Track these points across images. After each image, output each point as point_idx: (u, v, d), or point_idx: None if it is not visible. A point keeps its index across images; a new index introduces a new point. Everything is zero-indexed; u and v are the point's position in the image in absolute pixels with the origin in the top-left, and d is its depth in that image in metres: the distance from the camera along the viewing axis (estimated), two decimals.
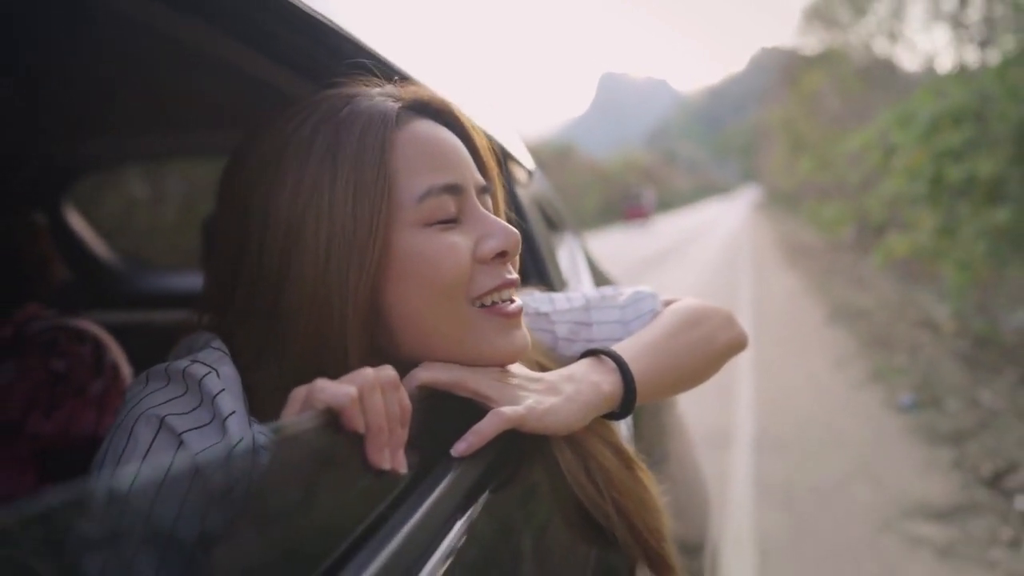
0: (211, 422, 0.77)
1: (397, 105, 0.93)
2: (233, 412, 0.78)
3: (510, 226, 0.96)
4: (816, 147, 27.11)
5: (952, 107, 9.58)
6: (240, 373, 0.83)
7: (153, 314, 2.77)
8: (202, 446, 0.75)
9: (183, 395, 0.79)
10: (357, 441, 0.70)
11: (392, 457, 0.72)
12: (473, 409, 0.91)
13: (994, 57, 13.51)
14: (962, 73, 14.63)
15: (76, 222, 2.96)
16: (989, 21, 15.99)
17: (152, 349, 1.08)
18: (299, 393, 0.72)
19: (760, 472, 5.15)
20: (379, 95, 0.94)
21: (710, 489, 2.80)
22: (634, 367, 1.05)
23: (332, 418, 0.69)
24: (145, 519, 0.60)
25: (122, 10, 0.95)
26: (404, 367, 0.88)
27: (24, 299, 1.85)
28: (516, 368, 0.99)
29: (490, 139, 1.08)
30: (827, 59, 28.67)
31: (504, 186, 1.10)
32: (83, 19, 1.13)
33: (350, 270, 0.85)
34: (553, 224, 2.59)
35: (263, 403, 0.83)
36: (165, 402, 0.78)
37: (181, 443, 0.75)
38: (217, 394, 0.78)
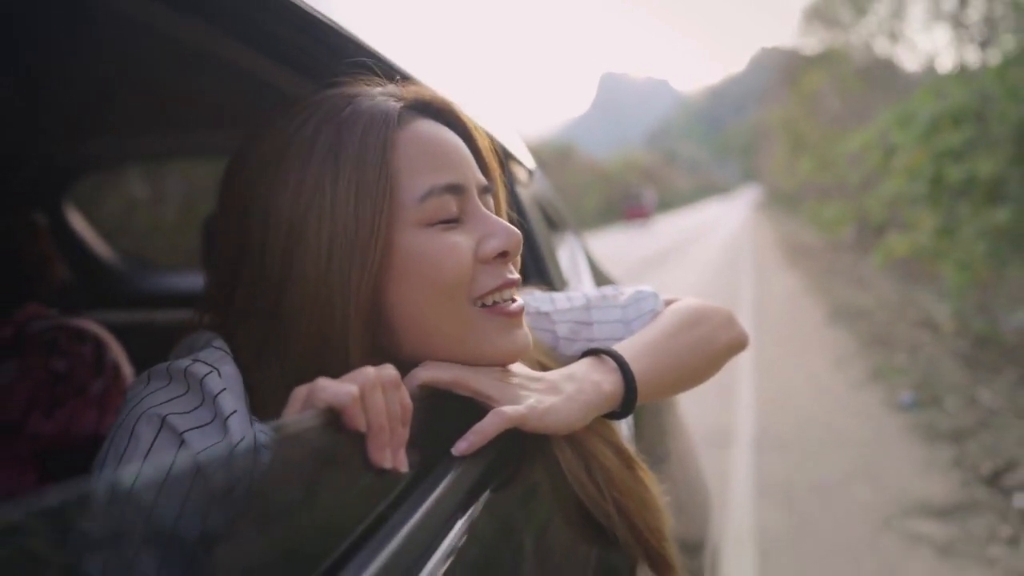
0: (212, 421, 0.77)
1: (399, 105, 0.93)
2: (234, 411, 0.78)
3: (511, 226, 0.96)
4: (816, 147, 27.12)
5: (952, 107, 9.59)
6: (241, 372, 0.83)
7: (154, 314, 2.77)
8: (203, 445, 0.75)
9: (184, 394, 0.79)
10: (358, 440, 0.70)
11: (393, 456, 0.72)
12: (474, 408, 0.91)
13: (995, 57, 13.51)
14: (962, 73, 14.63)
15: (77, 222, 2.96)
16: (989, 21, 16.00)
17: (153, 349, 1.08)
18: (300, 392, 0.72)
19: (761, 471, 5.15)
20: (381, 95, 0.94)
21: (710, 488, 2.80)
22: (635, 367, 1.05)
23: (333, 417, 0.69)
24: (146, 518, 0.60)
25: (122, 10, 0.95)
26: (405, 366, 0.88)
27: (25, 299, 1.85)
28: (517, 367, 0.99)
29: (491, 139, 1.08)
30: (827, 59, 28.69)
31: (506, 186, 1.10)
32: (84, 19, 1.13)
33: (352, 270, 0.85)
34: (554, 224, 2.59)
35: (264, 402, 0.83)
36: (166, 401, 0.78)
37: (182, 442, 0.75)
38: (218, 393, 0.78)
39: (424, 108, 0.98)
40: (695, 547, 1.98)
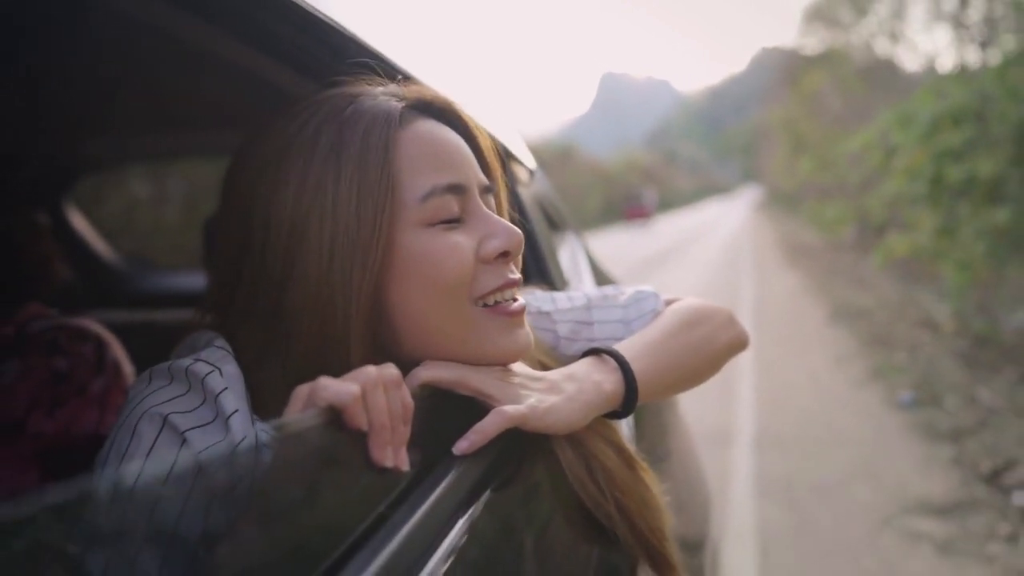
0: (214, 420, 0.77)
1: (400, 104, 0.93)
2: (236, 410, 0.78)
3: (513, 226, 0.96)
4: (817, 147, 27.10)
5: (952, 107, 9.58)
6: (243, 372, 0.84)
7: (155, 314, 2.77)
8: (205, 444, 0.76)
9: (186, 393, 0.79)
10: (360, 439, 0.71)
11: (394, 455, 0.73)
12: (475, 407, 0.91)
13: (995, 57, 13.51)
14: (962, 73, 14.63)
15: (78, 222, 2.96)
16: (990, 21, 16.00)
17: (154, 349, 1.08)
18: (302, 391, 0.73)
19: (761, 469, 5.16)
20: (382, 94, 0.95)
21: (711, 487, 2.80)
22: (635, 366, 1.05)
23: (335, 416, 0.69)
24: (148, 517, 0.60)
25: (123, 9, 0.95)
26: (406, 366, 0.88)
27: (26, 299, 1.85)
28: (518, 367, 1.00)
29: (493, 139, 1.08)
30: (828, 59, 28.68)
31: (507, 186, 1.10)
32: (85, 18, 1.13)
33: (354, 270, 0.85)
34: (554, 224, 2.59)
35: (266, 401, 0.83)
36: (168, 400, 0.78)
37: (184, 441, 0.76)
38: (220, 392, 0.78)
39: (426, 108, 0.98)
40: (696, 546, 1.98)
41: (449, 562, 0.75)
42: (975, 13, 16.96)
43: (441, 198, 0.91)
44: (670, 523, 1.08)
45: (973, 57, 16.60)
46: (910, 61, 24.71)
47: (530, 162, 2.23)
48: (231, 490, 0.63)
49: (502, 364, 0.97)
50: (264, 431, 0.76)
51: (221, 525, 0.65)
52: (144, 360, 0.96)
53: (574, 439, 1.01)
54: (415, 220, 0.90)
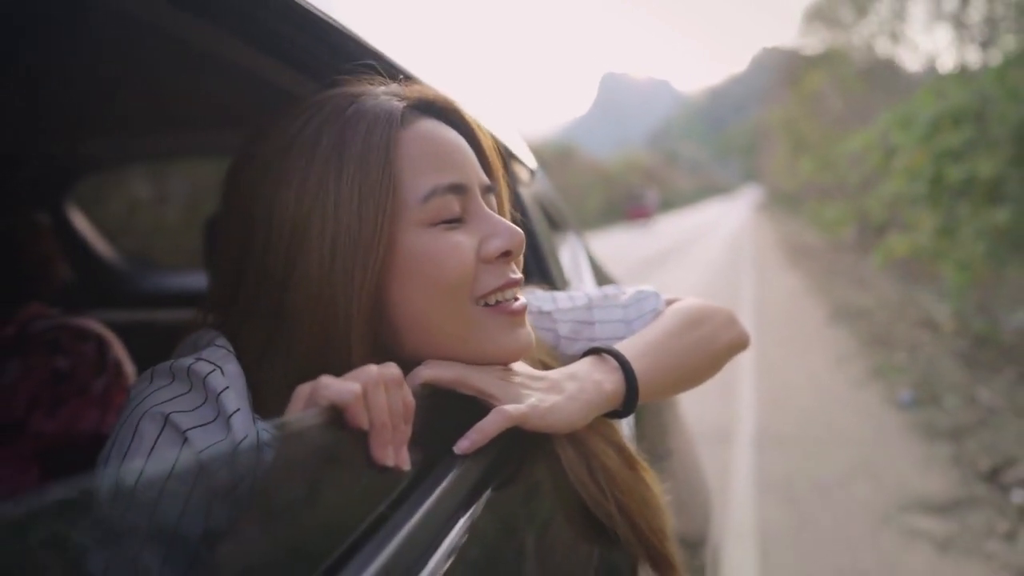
0: (215, 419, 0.77)
1: (402, 104, 0.93)
2: (237, 409, 0.78)
3: (514, 226, 0.96)
4: (817, 147, 27.09)
5: (952, 108, 9.59)
6: (244, 371, 0.84)
7: (155, 313, 2.77)
8: (206, 443, 0.76)
9: (187, 392, 0.79)
10: (361, 438, 0.71)
11: (395, 454, 0.73)
12: (476, 407, 0.91)
13: (996, 57, 13.51)
14: (962, 74, 14.63)
15: (79, 222, 2.96)
16: (991, 21, 15.99)
17: (154, 348, 1.08)
18: (303, 390, 0.73)
19: (762, 468, 5.17)
20: (384, 94, 0.95)
21: (711, 487, 2.80)
22: (636, 366, 1.05)
23: (336, 415, 0.69)
24: (150, 516, 0.60)
25: (124, 9, 0.95)
26: (407, 365, 0.88)
27: (27, 298, 1.85)
28: (519, 366, 1.00)
29: (494, 138, 1.08)
30: (829, 59, 28.67)
31: (509, 185, 1.10)
32: (86, 18, 1.13)
33: (355, 269, 0.85)
34: (555, 224, 2.59)
35: (267, 401, 0.83)
36: (170, 399, 0.78)
37: (186, 440, 0.76)
38: (221, 391, 0.78)
39: (427, 108, 0.98)
40: (696, 545, 1.98)
41: (450, 561, 0.75)
42: (976, 13, 16.96)
43: (442, 198, 0.91)
44: (671, 523, 1.08)
45: (974, 57, 16.60)
46: (911, 61, 24.74)
47: (531, 162, 2.23)
48: (232, 489, 0.63)
49: (503, 363, 0.97)
50: (265, 430, 0.76)
51: (222, 524, 0.66)
52: (145, 360, 0.96)
53: (575, 438, 1.01)
54: (416, 220, 0.90)
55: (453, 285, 0.90)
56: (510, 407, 0.90)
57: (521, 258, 1.00)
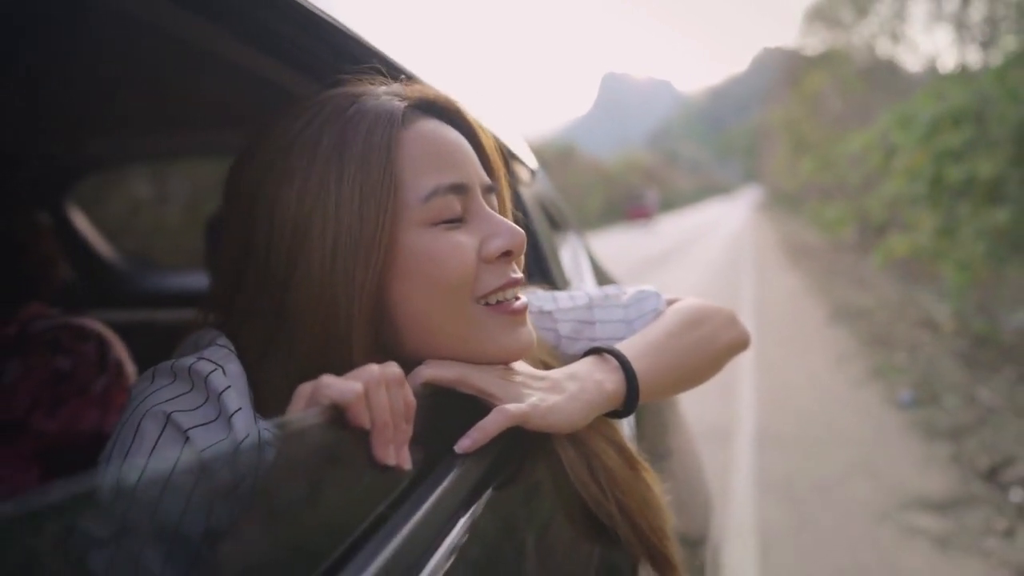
0: (217, 418, 0.78)
1: (403, 104, 0.93)
2: (239, 409, 0.78)
3: (515, 226, 0.96)
4: (818, 148, 27.09)
5: (952, 108, 9.59)
6: (246, 370, 0.84)
7: (157, 313, 2.77)
8: (208, 442, 0.76)
9: (189, 392, 0.79)
10: (362, 437, 0.71)
11: (397, 453, 0.73)
12: (477, 406, 0.92)
13: (996, 57, 13.51)
14: (962, 74, 14.63)
15: (80, 221, 2.96)
16: (991, 21, 15.99)
17: (155, 348, 1.08)
18: (305, 389, 0.73)
19: (762, 467, 5.18)
20: (385, 94, 0.95)
21: (712, 486, 2.81)
22: (637, 366, 1.05)
23: (337, 414, 0.69)
24: (151, 515, 0.60)
25: (125, 9, 0.95)
26: (409, 364, 0.88)
27: (28, 298, 1.85)
28: (520, 366, 1.00)
29: (495, 138, 1.08)
30: (829, 60, 28.68)
31: (510, 185, 1.10)
32: (86, 18, 1.13)
33: (356, 269, 0.85)
34: (556, 223, 2.59)
35: (269, 400, 0.83)
36: (171, 399, 0.78)
37: (187, 439, 0.76)
38: (223, 391, 0.78)
39: (428, 107, 0.98)
40: (697, 544, 1.98)
41: (451, 560, 0.75)
42: (976, 13, 16.96)
43: (443, 198, 0.91)
44: (671, 522, 1.08)
45: (974, 57, 16.60)
46: (911, 62, 24.73)
47: (532, 162, 2.23)
48: (234, 488, 0.63)
49: (504, 362, 0.97)
50: (267, 429, 0.76)
51: (224, 523, 0.66)
52: (146, 360, 0.96)
53: (576, 438, 1.01)
54: (418, 220, 0.90)
55: (454, 285, 0.90)
56: (511, 406, 0.90)
57: (522, 258, 1.00)
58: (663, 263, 20.80)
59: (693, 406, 3.44)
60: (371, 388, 0.72)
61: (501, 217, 0.96)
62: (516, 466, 1.00)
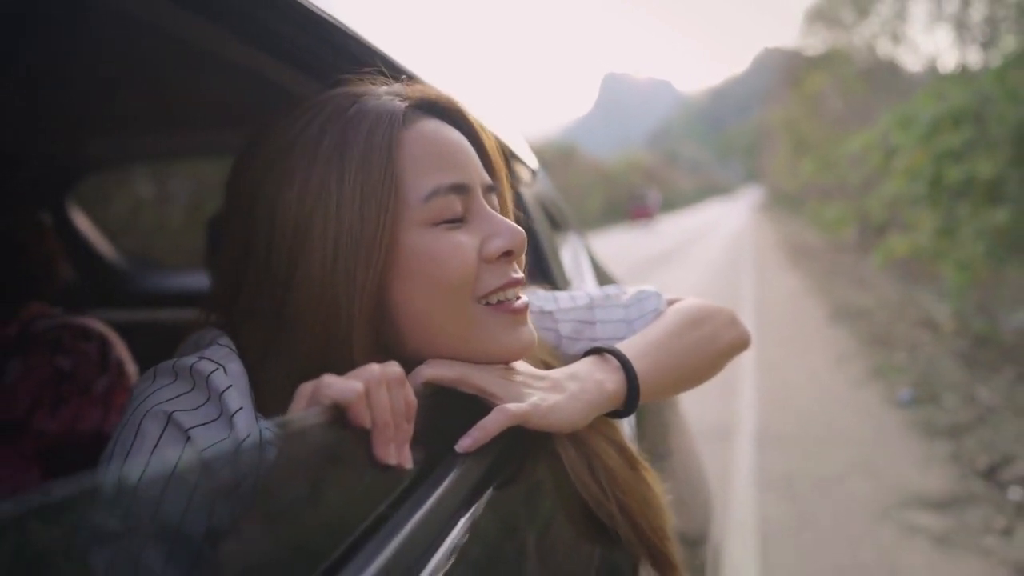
0: (218, 418, 0.78)
1: (404, 104, 0.93)
2: (240, 408, 0.78)
3: (516, 225, 0.96)
4: (818, 148, 27.08)
5: (952, 109, 9.60)
6: (247, 370, 0.84)
7: (158, 313, 2.78)
8: (209, 442, 0.76)
9: (190, 391, 0.79)
10: (363, 437, 0.71)
11: (398, 452, 0.73)
12: (478, 406, 0.92)
13: (997, 58, 13.52)
14: (963, 74, 14.63)
15: (81, 221, 2.97)
16: (992, 22, 16.00)
17: (157, 348, 1.08)
18: (306, 389, 0.73)
19: (762, 466, 5.18)
20: (386, 94, 0.95)
21: (712, 485, 2.81)
22: (638, 365, 1.05)
23: (338, 414, 0.70)
24: (152, 514, 0.61)
25: (125, 9, 0.95)
26: (410, 364, 0.88)
27: (29, 298, 1.86)
28: (521, 365, 1.00)
29: (497, 138, 1.08)
30: (830, 60, 28.66)
31: (511, 185, 1.10)
32: (86, 18, 1.13)
33: (357, 269, 0.85)
34: (556, 224, 2.59)
35: (270, 399, 0.83)
36: (173, 398, 0.78)
37: (188, 439, 0.76)
38: (224, 390, 0.79)
39: (429, 107, 0.98)
40: (697, 543, 1.98)
41: (451, 560, 0.75)
42: (976, 14, 16.96)
43: (444, 198, 0.91)
44: (671, 522, 1.08)
45: (975, 58, 16.60)
46: (912, 62, 24.72)
47: (532, 162, 2.23)
48: (235, 488, 0.63)
49: (505, 362, 0.97)
50: (268, 429, 0.76)
51: (225, 522, 0.66)
52: (148, 359, 0.96)
53: (576, 438, 1.01)
54: (418, 220, 0.90)
55: (455, 285, 0.91)
56: (512, 405, 0.90)
57: (523, 258, 1.00)
58: (664, 263, 20.79)
59: (694, 406, 3.45)
60: (372, 388, 0.72)
61: (502, 217, 0.96)
62: (517, 466, 1.00)
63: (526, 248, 0.99)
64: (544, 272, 1.89)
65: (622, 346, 1.08)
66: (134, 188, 7.58)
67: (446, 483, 0.82)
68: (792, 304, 13.22)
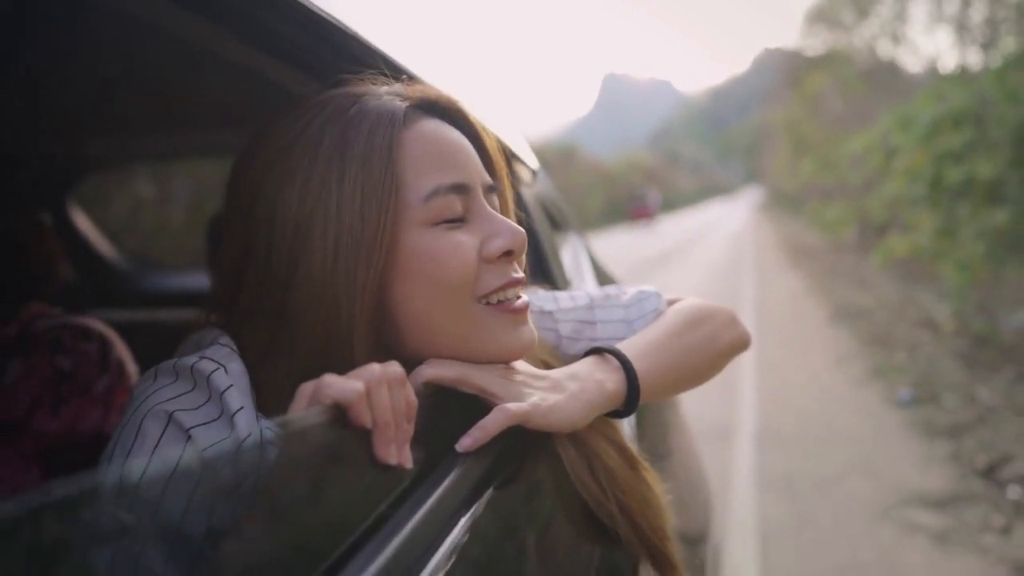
0: (219, 418, 0.78)
1: (405, 104, 0.93)
2: (241, 408, 0.78)
3: (516, 225, 0.96)
4: (819, 148, 27.10)
5: (952, 110, 9.61)
6: (248, 369, 0.84)
7: (159, 313, 2.78)
8: (210, 441, 0.76)
9: (191, 391, 0.79)
10: (364, 436, 0.71)
11: (398, 452, 0.73)
12: (478, 405, 0.92)
13: (997, 59, 13.53)
14: (963, 75, 14.64)
15: (81, 221, 2.97)
16: (992, 22, 16.00)
17: (157, 348, 1.08)
18: (306, 389, 0.73)
19: (762, 466, 5.19)
20: (387, 94, 0.95)
21: (712, 485, 2.81)
22: (638, 365, 1.05)
23: (339, 413, 0.70)
24: (153, 514, 0.61)
25: (125, 9, 0.95)
26: (410, 364, 0.88)
27: (29, 298, 1.86)
28: (521, 365, 1.00)
29: (497, 138, 1.08)
30: (830, 61, 28.68)
31: (512, 185, 1.10)
32: (86, 18, 1.13)
33: (358, 269, 0.85)
34: (557, 224, 2.60)
35: (271, 399, 0.83)
36: (173, 398, 0.78)
37: (189, 438, 0.76)
38: (225, 390, 0.79)
39: (430, 107, 0.98)
40: (697, 543, 1.98)
41: (451, 560, 0.75)
42: (977, 15, 16.97)
43: (445, 198, 0.91)
44: (671, 522, 1.08)
45: (975, 59, 16.61)
46: (912, 63, 24.73)
47: (533, 162, 2.23)
48: (236, 487, 0.63)
49: (506, 361, 0.97)
50: (269, 428, 0.76)
51: (226, 522, 0.66)
52: (148, 359, 0.96)
53: (576, 438, 1.01)
54: (419, 220, 0.90)
55: (455, 284, 0.91)
56: (512, 405, 0.90)
57: (523, 258, 1.00)
58: (664, 263, 20.79)
59: (694, 405, 3.45)
60: (373, 387, 0.72)
61: (502, 217, 0.96)
62: (517, 465, 1.00)
63: (526, 248, 0.99)
64: (544, 272, 1.89)
65: (622, 346, 1.08)
66: (134, 188, 7.58)
67: (446, 483, 0.82)
68: (792, 304, 13.22)
